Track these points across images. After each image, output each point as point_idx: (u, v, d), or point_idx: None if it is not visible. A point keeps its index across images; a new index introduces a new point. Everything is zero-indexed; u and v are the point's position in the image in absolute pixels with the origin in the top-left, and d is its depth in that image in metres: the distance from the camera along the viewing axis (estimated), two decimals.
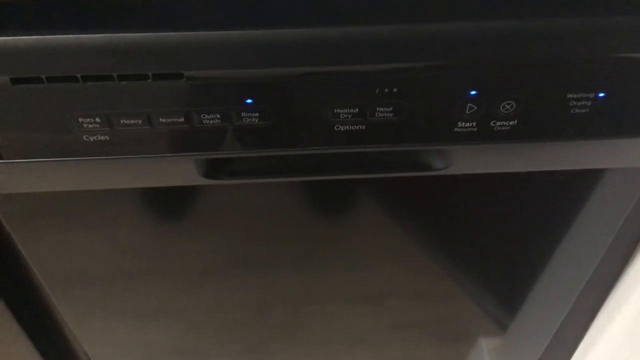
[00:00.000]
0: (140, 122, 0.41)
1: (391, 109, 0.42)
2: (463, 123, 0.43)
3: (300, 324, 0.73)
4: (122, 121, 0.41)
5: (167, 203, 0.55)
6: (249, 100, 0.41)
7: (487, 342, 0.80)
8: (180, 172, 0.46)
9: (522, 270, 0.66)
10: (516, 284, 0.69)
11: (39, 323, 0.68)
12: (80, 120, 0.40)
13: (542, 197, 0.57)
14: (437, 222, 0.60)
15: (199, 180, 0.47)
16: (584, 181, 0.54)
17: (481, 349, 0.81)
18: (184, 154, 0.43)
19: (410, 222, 0.59)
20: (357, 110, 0.42)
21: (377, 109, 0.42)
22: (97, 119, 0.41)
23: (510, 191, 0.56)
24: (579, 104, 0.42)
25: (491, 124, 0.43)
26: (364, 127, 0.43)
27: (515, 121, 0.42)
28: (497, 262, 0.66)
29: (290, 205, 0.56)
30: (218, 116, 0.41)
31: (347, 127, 0.43)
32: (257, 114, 0.41)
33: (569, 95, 0.41)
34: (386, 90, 0.41)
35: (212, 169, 0.46)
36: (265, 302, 0.69)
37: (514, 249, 0.63)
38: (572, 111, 0.42)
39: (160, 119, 0.41)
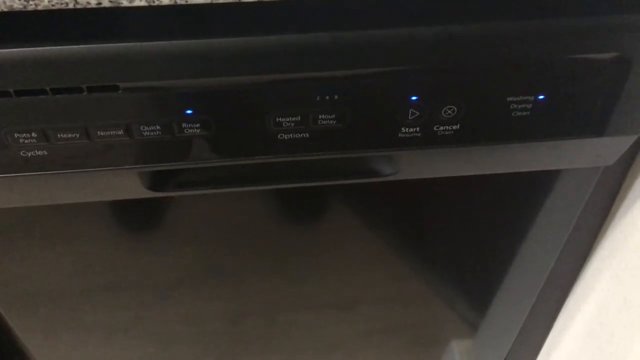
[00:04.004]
0: (77, 135, 0.40)
1: (334, 116, 0.42)
2: (407, 128, 0.43)
3: (274, 333, 0.73)
4: (59, 135, 0.40)
5: (132, 215, 0.54)
6: (188, 111, 0.40)
7: (458, 345, 0.80)
8: (125, 185, 0.46)
9: (487, 270, 0.67)
10: (483, 284, 0.69)
11: None
12: (16, 135, 0.40)
13: (499, 199, 0.57)
14: (403, 226, 0.60)
15: (144, 193, 0.46)
16: (535, 183, 0.55)
17: (453, 352, 0.81)
18: (126, 167, 0.43)
19: (378, 228, 0.60)
20: (299, 118, 0.41)
21: (320, 116, 0.41)
22: (34, 134, 0.40)
23: (469, 194, 0.56)
24: (519, 106, 0.42)
25: (434, 128, 0.43)
26: (307, 135, 0.42)
27: (458, 125, 0.43)
28: (464, 264, 0.66)
29: (259, 214, 0.55)
30: (158, 128, 0.41)
31: (291, 135, 0.42)
32: (198, 125, 0.41)
33: (510, 99, 0.41)
34: (327, 97, 0.41)
35: (157, 181, 0.46)
36: (238, 312, 0.68)
37: (478, 249, 0.64)
38: (513, 114, 0.42)
39: (99, 132, 0.40)
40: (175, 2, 0.37)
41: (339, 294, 0.68)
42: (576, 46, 0.40)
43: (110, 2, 0.36)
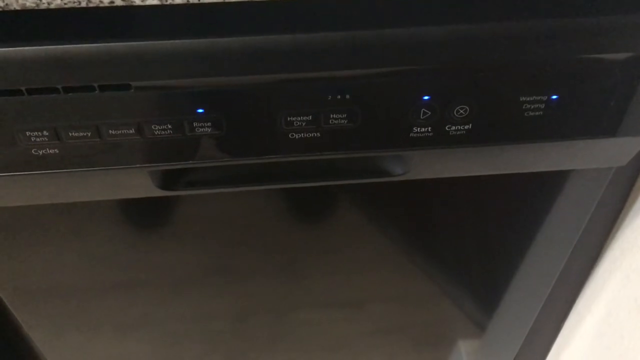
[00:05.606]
0: (89, 134, 0.40)
1: (345, 115, 0.41)
2: (418, 128, 0.42)
3: (282, 332, 0.73)
4: (70, 134, 0.40)
5: (141, 213, 0.54)
6: (200, 110, 0.40)
7: (465, 345, 0.80)
8: (135, 184, 0.46)
9: (496, 270, 0.67)
10: (492, 285, 0.69)
11: (4, 340, 0.67)
12: (28, 134, 0.40)
13: (510, 199, 0.57)
14: (412, 226, 0.60)
15: (155, 192, 0.46)
16: (547, 183, 0.54)
17: (460, 352, 0.81)
18: (137, 165, 0.43)
19: (387, 227, 0.59)
20: (310, 117, 0.41)
21: (331, 115, 0.41)
22: (45, 133, 0.40)
23: (480, 194, 0.56)
24: (532, 106, 0.42)
25: (446, 128, 0.42)
26: (318, 134, 0.42)
27: (470, 125, 0.42)
28: (473, 264, 0.66)
29: (268, 212, 0.55)
30: (169, 127, 0.41)
31: (302, 134, 0.42)
32: (209, 124, 0.41)
33: (522, 98, 0.41)
34: (338, 97, 0.40)
35: (167, 180, 0.46)
36: (245, 310, 0.68)
37: (488, 249, 0.63)
38: (526, 114, 0.42)
39: (110, 131, 0.40)
40: (188, 0, 0.37)
41: (347, 293, 0.68)
42: (589, 46, 0.40)
43: (123, 0, 0.36)
